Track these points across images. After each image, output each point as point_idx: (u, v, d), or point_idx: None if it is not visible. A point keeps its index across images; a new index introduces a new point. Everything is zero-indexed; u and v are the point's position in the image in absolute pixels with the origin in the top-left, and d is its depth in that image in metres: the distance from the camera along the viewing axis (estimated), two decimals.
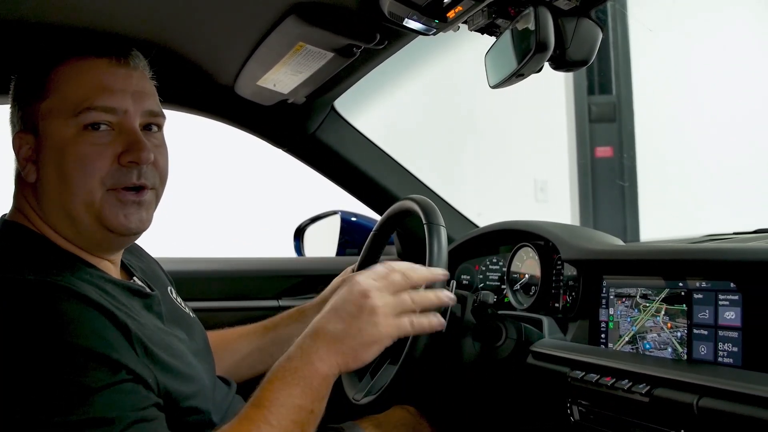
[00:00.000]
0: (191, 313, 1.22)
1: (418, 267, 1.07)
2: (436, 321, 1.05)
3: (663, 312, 1.13)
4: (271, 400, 0.92)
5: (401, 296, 1.02)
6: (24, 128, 1.03)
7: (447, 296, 1.07)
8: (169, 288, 1.22)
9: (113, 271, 1.07)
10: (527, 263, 1.52)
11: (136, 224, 1.02)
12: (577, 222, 4.16)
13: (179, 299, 1.23)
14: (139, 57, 1.07)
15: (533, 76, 1.10)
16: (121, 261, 1.13)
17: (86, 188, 0.98)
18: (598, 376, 1.12)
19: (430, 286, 1.09)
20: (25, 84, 1.04)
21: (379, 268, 1.04)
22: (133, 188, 1.01)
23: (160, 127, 1.08)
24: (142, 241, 1.17)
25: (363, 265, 1.44)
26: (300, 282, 1.82)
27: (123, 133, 1.01)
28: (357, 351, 0.98)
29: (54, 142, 0.99)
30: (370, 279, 1.01)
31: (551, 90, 4.18)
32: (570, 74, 4.03)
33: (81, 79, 1.00)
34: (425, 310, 1.05)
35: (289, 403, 0.92)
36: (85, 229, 1.00)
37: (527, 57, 1.02)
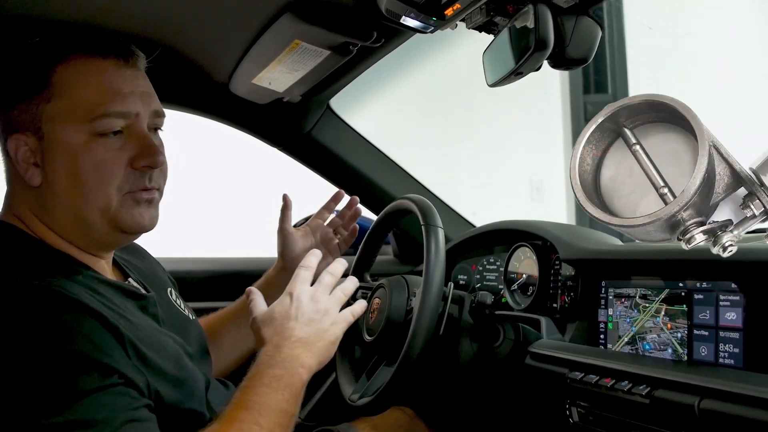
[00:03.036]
0: (191, 316, 1.21)
1: (332, 261, 1.20)
2: (364, 303, 1.20)
3: (663, 312, 1.12)
4: (260, 403, 0.97)
5: (336, 294, 1.15)
6: (21, 129, 0.99)
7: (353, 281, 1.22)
8: (169, 290, 1.21)
9: (107, 271, 1.06)
10: (525, 263, 1.51)
11: (149, 222, 1.05)
12: (572, 221, 4.15)
13: (179, 301, 1.21)
14: (140, 55, 1.06)
15: (529, 74, 1.09)
16: (118, 261, 1.12)
17: (103, 195, 0.98)
18: (598, 377, 1.11)
19: None
20: (22, 81, 1.00)
21: (300, 272, 1.15)
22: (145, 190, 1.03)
23: (161, 127, 1.08)
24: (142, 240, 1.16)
25: (359, 265, 1.44)
26: None
27: (133, 137, 1.01)
28: (327, 350, 1.10)
29: (64, 148, 0.97)
30: (308, 286, 1.13)
31: (547, 89, 4.17)
32: (566, 73, 4.03)
33: (90, 82, 0.99)
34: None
35: (277, 408, 0.97)
36: (96, 231, 1.00)
37: (526, 55, 1.01)
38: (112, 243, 1.06)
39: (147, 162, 1.00)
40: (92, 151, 0.97)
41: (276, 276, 1.48)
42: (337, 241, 1.53)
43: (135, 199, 1.01)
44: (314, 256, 1.19)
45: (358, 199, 1.57)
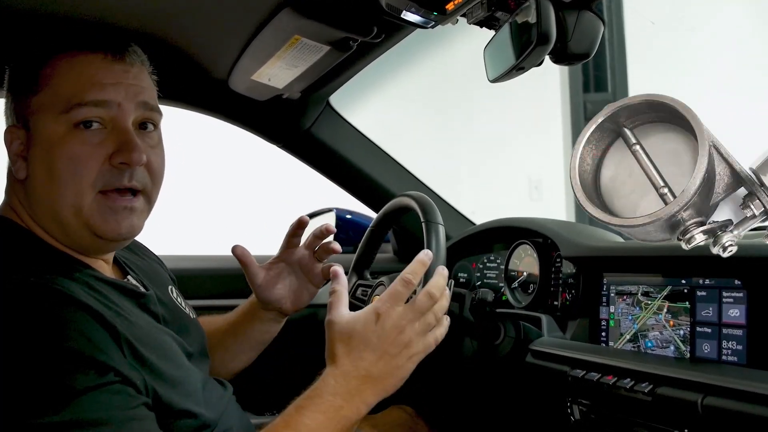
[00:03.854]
0: (192, 314, 1.20)
1: (428, 266, 1.06)
2: (447, 323, 1.06)
3: (665, 310, 1.12)
4: (310, 428, 0.92)
5: (427, 318, 1.02)
6: (16, 122, 1.00)
7: (448, 294, 1.08)
8: (170, 287, 1.19)
9: (106, 269, 1.05)
10: (525, 261, 1.50)
11: (126, 230, 0.99)
12: (572, 220, 4.15)
13: (180, 299, 1.20)
14: (137, 52, 1.04)
15: (528, 73, 1.08)
16: (118, 259, 1.11)
17: (75, 190, 0.95)
18: (600, 375, 1.10)
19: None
20: (19, 76, 1.01)
21: (399, 289, 1.02)
22: (124, 191, 0.98)
23: (156, 125, 1.05)
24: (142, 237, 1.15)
25: (358, 264, 1.43)
26: None
27: (115, 132, 0.97)
28: (396, 385, 1.00)
29: (43, 140, 0.96)
30: (397, 308, 1.00)
31: (546, 87, 4.16)
32: (565, 71, 4.02)
33: (73, 74, 0.97)
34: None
35: None
36: (73, 232, 0.97)
37: (528, 50, 1.00)
38: (95, 247, 1.01)
39: (124, 158, 0.96)
40: (68, 144, 0.95)
41: (245, 316, 1.36)
42: (320, 268, 1.31)
43: (110, 205, 0.97)
44: (439, 278, 1.05)
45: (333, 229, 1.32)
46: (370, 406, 0.98)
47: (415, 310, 1.01)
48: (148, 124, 1.03)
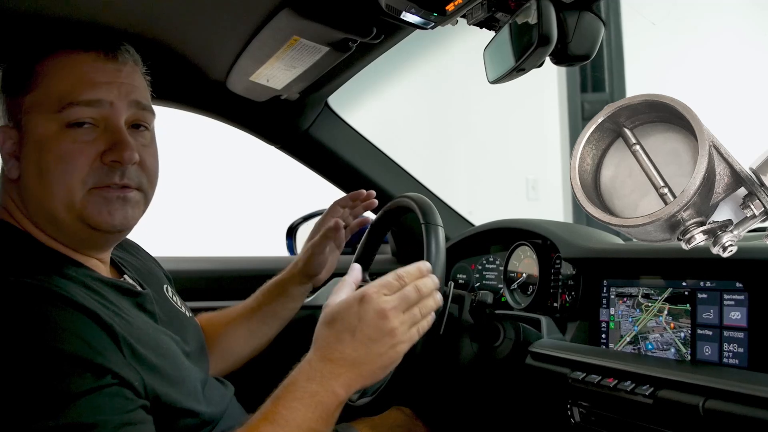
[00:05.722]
0: (188, 313, 1.19)
1: (425, 272, 1.03)
2: (432, 319, 1.03)
3: (666, 312, 1.11)
4: (286, 418, 0.89)
5: (413, 311, 0.99)
6: (8, 122, 0.99)
7: (440, 298, 1.05)
8: (165, 286, 1.19)
9: (102, 269, 1.04)
10: (525, 262, 1.50)
11: (120, 221, 0.99)
12: (569, 221, 4.15)
13: (175, 297, 1.20)
14: (130, 51, 1.04)
15: (526, 73, 1.08)
16: (114, 259, 1.10)
17: (66, 188, 0.95)
18: (600, 377, 1.10)
19: None
20: (11, 75, 1.01)
21: (390, 280, 0.99)
22: (117, 187, 0.98)
23: (148, 125, 1.04)
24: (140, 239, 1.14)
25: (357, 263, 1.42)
26: None
27: (107, 131, 0.97)
28: (376, 373, 0.96)
29: (35, 139, 0.96)
30: (383, 295, 0.97)
31: (544, 87, 4.16)
32: (563, 71, 4.02)
33: (65, 74, 0.97)
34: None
35: (304, 426, 0.90)
36: (67, 227, 0.97)
37: (529, 51, 1.00)
38: (91, 241, 1.01)
39: (115, 157, 0.96)
40: (59, 142, 0.95)
41: (288, 281, 1.42)
42: (343, 231, 1.41)
43: (104, 196, 0.97)
44: (430, 280, 1.02)
45: (374, 194, 1.47)
46: (349, 391, 0.94)
47: (402, 297, 0.98)
48: (141, 124, 1.03)
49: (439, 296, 1.05)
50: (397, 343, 0.96)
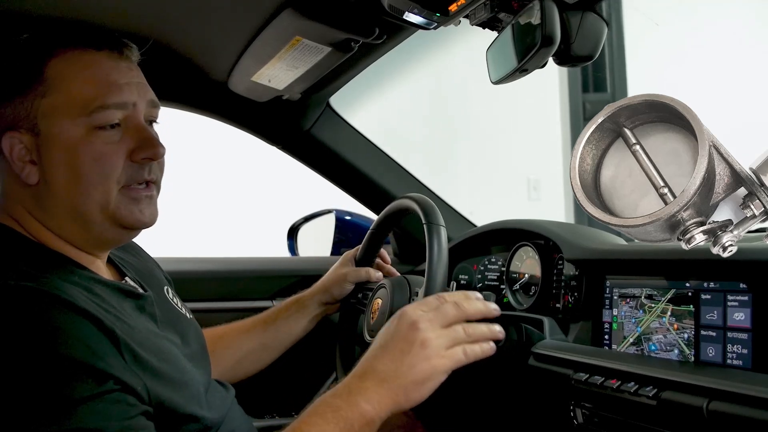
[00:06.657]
0: (188, 314, 1.19)
1: (473, 297, 1.03)
2: (488, 347, 1.01)
3: (669, 313, 1.11)
4: None
5: (454, 328, 0.97)
6: (16, 127, 0.96)
7: (500, 331, 1.03)
8: (165, 288, 1.18)
9: (103, 270, 1.04)
10: (527, 263, 1.49)
11: (149, 218, 1.03)
12: (571, 221, 4.14)
13: (176, 299, 1.19)
14: (133, 48, 1.05)
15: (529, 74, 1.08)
16: (114, 260, 1.10)
17: (103, 189, 0.97)
18: (603, 379, 1.09)
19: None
20: (11, 78, 0.98)
21: (430, 299, 0.99)
22: (142, 183, 1.01)
23: (156, 119, 1.07)
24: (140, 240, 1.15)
25: (360, 265, 1.42)
26: (294, 282, 1.79)
27: (131, 129, 0.99)
28: (408, 389, 0.93)
29: (62, 143, 0.95)
30: (419, 310, 0.97)
31: (545, 87, 4.16)
32: (564, 71, 4.02)
33: (86, 75, 0.97)
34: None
35: None
36: (96, 228, 0.98)
37: (532, 52, 1.00)
38: (113, 240, 1.04)
39: (147, 154, 0.99)
40: (91, 145, 0.96)
41: (287, 312, 1.43)
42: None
43: (134, 196, 1.00)
44: (476, 302, 1.01)
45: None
46: (380, 407, 0.91)
47: (437, 311, 0.96)
48: (153, 120, 1.06)
49: (498, 327, 1.02)
50: (432, 356, 0.93)
